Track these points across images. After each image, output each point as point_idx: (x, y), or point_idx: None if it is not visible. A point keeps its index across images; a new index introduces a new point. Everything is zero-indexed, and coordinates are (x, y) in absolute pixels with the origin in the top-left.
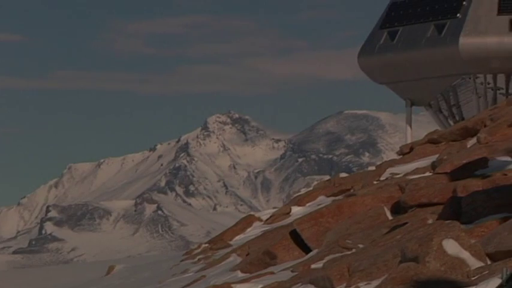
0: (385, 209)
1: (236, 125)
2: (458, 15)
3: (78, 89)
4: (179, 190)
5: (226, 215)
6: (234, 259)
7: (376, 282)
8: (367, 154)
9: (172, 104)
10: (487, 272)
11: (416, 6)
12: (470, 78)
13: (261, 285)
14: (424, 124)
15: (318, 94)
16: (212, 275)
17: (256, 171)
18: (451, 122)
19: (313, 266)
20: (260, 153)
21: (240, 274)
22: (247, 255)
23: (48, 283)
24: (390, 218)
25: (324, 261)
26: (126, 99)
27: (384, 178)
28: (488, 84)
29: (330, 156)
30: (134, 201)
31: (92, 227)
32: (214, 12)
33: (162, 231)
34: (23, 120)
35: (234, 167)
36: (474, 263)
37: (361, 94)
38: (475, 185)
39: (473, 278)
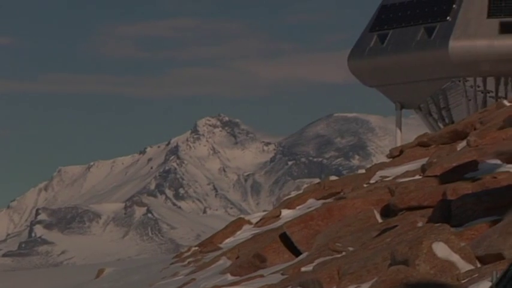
0: (375, 212)
1: (226, 128)
2: (448, 18)
3: (68, 92)
4: (169, 193)
5: (216, 218)
6: (224, 262)
7: (366, 285)
8: (357, 157)
9: (162, 107)
10: (476, 275)
11: (406, 9)
12: (460, 81)
13: None
14: (414, 127)
15: (308, 97)
16: (202, 278)
17: (246, 174)
18: (441, 125)
19: (303, 269)
20: (250, 156)
21: (230, 277)
22: (237, 258)
23: (38, 286)
24: (380, 221)
25: (314, 264)
26: (116, 102)
27: (374, 181)
28: (478, 87)
29: (320, 159)
30: (124, 204)
31: (82, 230)
32: (205, 15)
33: (152, 234)
34: (12, 123)
35: (224, 170)
36: (464, 266)
37: (351, 97)
38: (464, 188)
39: (463, 281)
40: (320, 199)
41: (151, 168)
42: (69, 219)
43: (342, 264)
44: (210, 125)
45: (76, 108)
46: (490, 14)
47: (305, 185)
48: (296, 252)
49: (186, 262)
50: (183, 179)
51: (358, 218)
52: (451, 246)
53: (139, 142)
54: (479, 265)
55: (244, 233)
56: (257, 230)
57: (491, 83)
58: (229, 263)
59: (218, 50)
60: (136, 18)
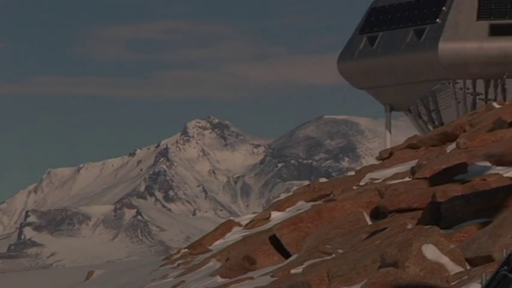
0: (365, 214)
1: (216, 130)
2: (437, 20)
3: (56, 94)
4: (159, 195)
5: (205, 220)
6: (214, 264)
7: (355, 287)
8: (346, 159)
9: (151, 109)
10: (466, 277)
11: (396, 12)
12: (449, 83)
13: None
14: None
15: (297, 99)
16: (192, 280)
17: (235, 176)
18: (431, 127)
19: (292, 271)
20: (240, 158)
21: (219, 279)
22: (226, 260)
23: None
24: (370, 223)
25: (304, 266)
26: (105, 104)
27: (364, 183)
28: (468, 89)
29: (310, 161)
30: (114, 206)
31: (71, 232)
32: (193, 17)
33: (142, 236)
34: (1, 125)
35: (214, 172)
36: (453, 268)
37: (341, 99)
38: (454, 190)
39: (452, 283)
40: (310, 201)
41: (141, 170)
42: (58, 221)
43: (332, 267)
44: (199, 127)
45: (66, 110)
46: (480, 16)
47: (295, 187)
48: (286, 255)
49: (175, 264)
50: (172, 181)
51: (348, 220)
52: (440, 248)
53: (129, 144)
54: (468, 267)
55: (234, 235)
56: (247, 232)
57: (480, 85)
58: (219, 265)
59: (208, 52)
60: (125, 21)
